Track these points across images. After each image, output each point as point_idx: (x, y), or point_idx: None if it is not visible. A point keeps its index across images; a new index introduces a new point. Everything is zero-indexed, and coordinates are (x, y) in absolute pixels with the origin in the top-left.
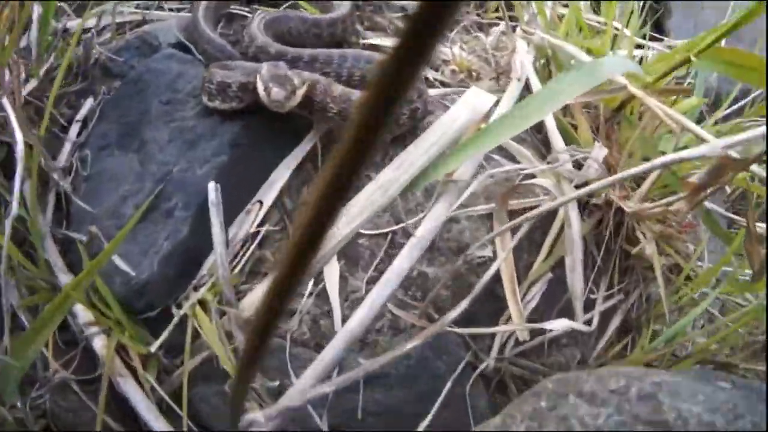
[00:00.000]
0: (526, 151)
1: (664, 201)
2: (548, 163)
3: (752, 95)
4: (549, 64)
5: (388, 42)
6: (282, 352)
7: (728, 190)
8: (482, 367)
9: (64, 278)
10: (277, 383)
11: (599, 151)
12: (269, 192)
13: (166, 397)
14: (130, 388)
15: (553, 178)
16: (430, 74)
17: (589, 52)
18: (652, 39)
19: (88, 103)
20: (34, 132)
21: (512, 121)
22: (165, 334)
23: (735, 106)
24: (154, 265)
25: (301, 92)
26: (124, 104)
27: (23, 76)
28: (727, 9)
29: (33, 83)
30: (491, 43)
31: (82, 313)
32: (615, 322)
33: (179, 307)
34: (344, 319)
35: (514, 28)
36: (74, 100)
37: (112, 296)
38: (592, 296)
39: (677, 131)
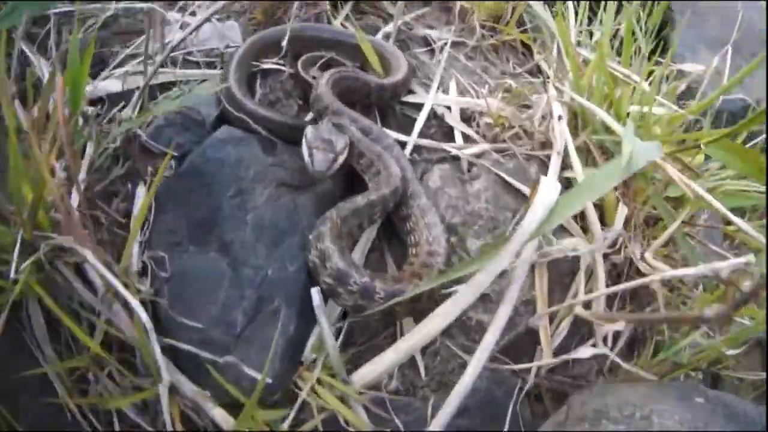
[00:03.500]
0: (573, 222)
1: (680, 273)
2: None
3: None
4: (578, 120)
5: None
6: (383, 404)
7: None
8: (527, 387)
9: (190, 388)
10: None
11: (621, 216)
12: None
13: None
14: None
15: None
16: (466, 130)
17: (611, 105)
18: (652, 56)
19: (139, 192)
20: (110, 264)
21: (560, 211)
22: (293, 413)
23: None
24: (275, 364)
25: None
26: (187, 198)
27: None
28: (729, 20)
29: (79, 183)
30: (524, 95)
31: (219, 414)
32: (623, 339)
33: (295, 385)
34: (426, 369)
35: (535, 67)
36: (119, 186)
37: (244, 395)
38: None
39: (692, 197)
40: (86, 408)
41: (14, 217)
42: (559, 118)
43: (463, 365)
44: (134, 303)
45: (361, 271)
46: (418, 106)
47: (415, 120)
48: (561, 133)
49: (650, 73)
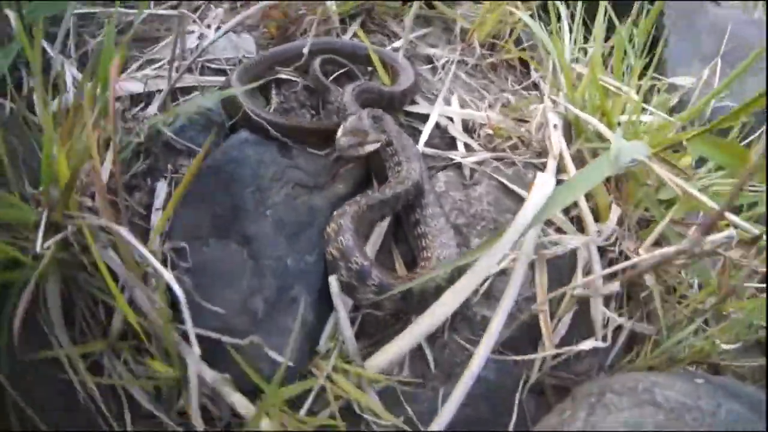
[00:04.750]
0: (569, 226)
1: (666, 252)
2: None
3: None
4: (571, 128)
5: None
6: (395, 394)
7: None
8: (532, 379)
9: (212, 374)
10: (402, 418)
11: (615, 215)
12: None
13: None
14: None
15: (584, 246)
16: (468, 140)
17: (603, 114)
18: (643, 75)
19: (162, 188)
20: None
21: (555, 203)
22: (310, 399)
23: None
24: (294, 350)
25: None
26: (207, 193)
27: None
28: (722, 36)
29: (104, 175)
30: (525, 112)
31: (238, 400)
32: (623, 337)
33: (310, 373)
34: (435, 362)
35: (528, 76)
36: (140, 180)
37: (264, 380)
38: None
39: (680, 194)
40: (99, 399)
41: (40, 198)
42: (555, 126)
43: (470, 357)
44: (164, 271)
45: (377, 267)
46: (423, 117)
47: (419, 130)
48: (557, 140)
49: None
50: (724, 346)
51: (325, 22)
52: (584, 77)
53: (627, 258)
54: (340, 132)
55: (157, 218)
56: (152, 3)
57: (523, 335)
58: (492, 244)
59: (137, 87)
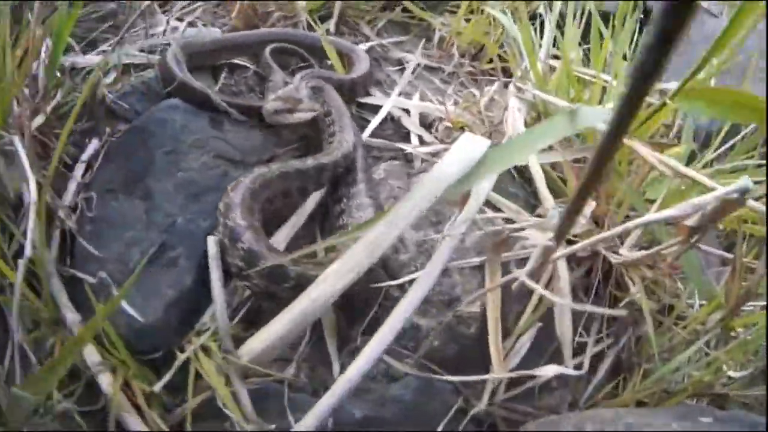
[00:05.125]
0: (514, 206)
1: (653, 250)
2: (538, 216)
3: (743, 132)
4: (540, 119)
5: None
6: (280, 397)
7: (721, 227)
8: (473, 411)
9: (71, 316)
10: (274, 426)
11: (587, 207)
12: None
13: None
14: (134, 423)
15: (542, 232)
16: (423, 134)
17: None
18: None
19: (93, 143)
20: (44, 173)
21: (493, 161)
22: (168, 375)
23: (726, 144)
24: (158, 311)
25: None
26: (129, 151)
27: (27, 112)
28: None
29: (40, 119)
30: (485, 101)
31: (89, 350)
32: (605, 365)
33: (182, 350)
34: (341, 368)
35: (507, 84)
36: (79, 138)
37: (118, 337)
38: (582, 339)
39: (671, 176)
40: None
41: None
42: (516, 109)
43: (385, 373)
44: (29, 174)
45: (256, 232)
46: (376, 109)
47: (369, 121)
48: (513, 120)
49: None
50: (732, 374)
51: (293, 18)
52: (557, 68)
53: (605, 260)
54: (270, 97)
55: (80, 170)
56: None
57: (471, 355)
58: (392, 210)
59: (97, 60)
